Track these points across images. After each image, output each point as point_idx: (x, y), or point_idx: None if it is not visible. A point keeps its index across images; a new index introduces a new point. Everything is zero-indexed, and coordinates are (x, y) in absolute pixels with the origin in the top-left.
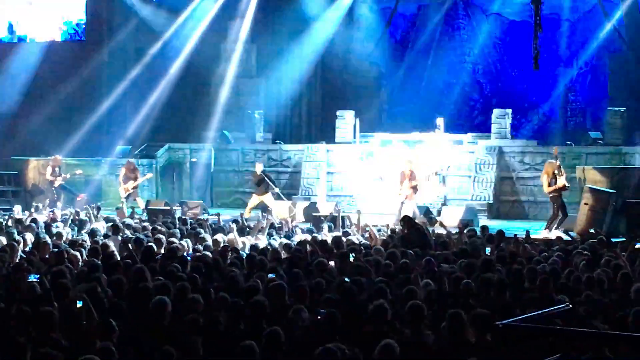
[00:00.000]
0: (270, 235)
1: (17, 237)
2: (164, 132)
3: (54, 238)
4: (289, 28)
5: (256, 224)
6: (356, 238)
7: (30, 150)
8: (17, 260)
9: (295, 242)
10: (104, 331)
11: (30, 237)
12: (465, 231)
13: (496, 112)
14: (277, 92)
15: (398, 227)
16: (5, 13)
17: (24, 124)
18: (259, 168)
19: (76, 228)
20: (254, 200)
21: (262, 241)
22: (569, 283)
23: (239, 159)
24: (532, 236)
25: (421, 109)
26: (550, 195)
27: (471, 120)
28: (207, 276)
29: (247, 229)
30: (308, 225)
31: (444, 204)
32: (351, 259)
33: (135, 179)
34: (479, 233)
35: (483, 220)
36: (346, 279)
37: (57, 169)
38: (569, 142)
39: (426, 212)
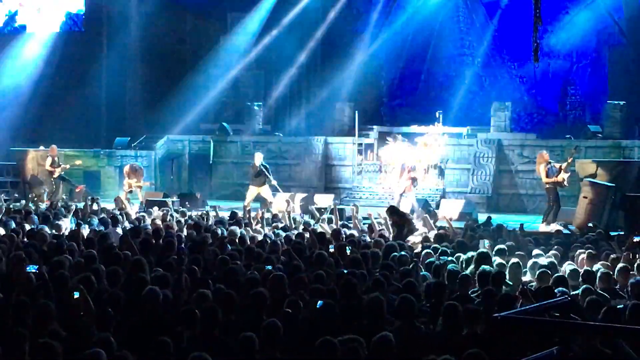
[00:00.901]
0: (268, 227)
1: (16, 228)
2: (163, 123)
3: (53, 229)
4: (289, 19)
5: (254, 215)
6: (355, 231)
7: (29, 141)
8: (16, 251)
9: (294, 235)
10: (102, 322)
11: (28, 228)
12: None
13: (495, 105)
14: (276, 84)
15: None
16: (5, 4)
17: (23, 115)
18: (258, 158)
19: (74, 219)
20: (252, 192)
21: (260, 233)
22: (568, 276)
23: (238, 151)
24: (530, 230)
25: (420, 101)
26: (547, 186)
27: (470, 113)
28: (205, 268)
29: (245, 221)
30: (306, 218)
31: (442, 196)
32: (348, 252)
33: (139, 180)
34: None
35: (482, 214)
36: (344, 271)
37: (55, 159)
38: (568, 136)
39: (425, 204)
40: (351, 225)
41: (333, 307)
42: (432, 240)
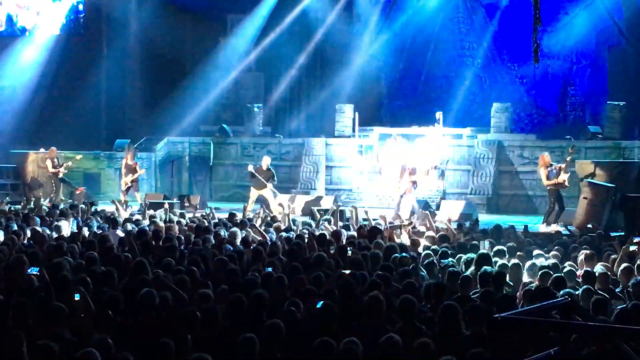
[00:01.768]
0: (269, 228)
1: (17, 230)
2: (163, 125)
3: (53, 231)
4: (288, 21)
5: (255, 216)
6: (355, 232)
7: (29, 144)
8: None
9: (294, 236)
10: (102, 323)
11: (29, 230)
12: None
13: (495, 105)
14: (276, 86)
15: (397, 221)
16: (5, 6)
17: (23, 117)
18: (266, 161)
19: (75, 221)
20: (253, 194)
21: (260, 234)
22: (568, 276)
23: (238, 152)
24: (531, 231)
25: (420, 102)
26: (548, 188)
27: (470, 114)
28: (205, 269)
29: (248, 223)
30: (306, 219)
31: (442, 198)
32: (349, 253)
33: (134, 170)
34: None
35: (482, 215)
36: (345, 272)
37: (56, 160)
38: (568, 137)
39: (425, 206)
40: (351, 226)
41: (332, 308)
42: (434, 241)
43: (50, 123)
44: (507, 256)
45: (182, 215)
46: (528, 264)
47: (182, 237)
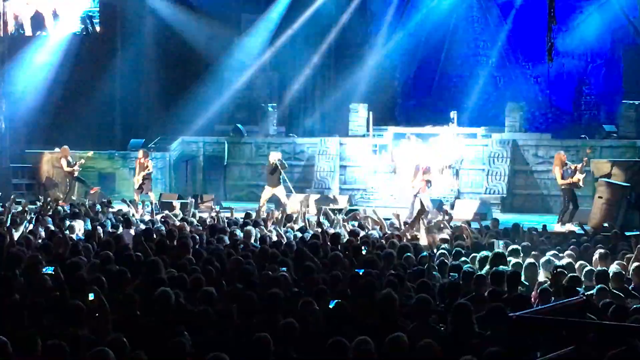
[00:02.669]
0: (285, 227)
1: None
2: (178, 125)
3: (67, 231)
4: (303, 20)
5: (269, 214)
6: (371, 231)
7: (44, 144)
8: (32, 253)
9: (309, 236)
10: (116, 323)
11: (43, 230)
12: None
13: (510, 105)
14: (290, 85)
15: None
16: (20, 6)
17: (38, 117)
18: (273, 157)
19: (88, 220)
20: (267, 192)
21: (274, 233)
22: (583, 276)
23: (252, 152)
24: (547, 230)
25: (434, 102)
26: (563, 187)
27: (485, 113)
28: (220, 269)
29: (261, 222)
30: (321, 218)
31: (457, 197)
32: (364, 252)
33: (146, 167)
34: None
35: (496, 214)
36: (359, 272)
37: (70, 159)
38: (583, 136)
39: (439, 205)
40: (365, 226)
41: (346, 307)
42: (448, 240)
43: (65, 123)
44: (522, 255)
45: (193, 215)
46: (542, 261)
47: (197, 237)
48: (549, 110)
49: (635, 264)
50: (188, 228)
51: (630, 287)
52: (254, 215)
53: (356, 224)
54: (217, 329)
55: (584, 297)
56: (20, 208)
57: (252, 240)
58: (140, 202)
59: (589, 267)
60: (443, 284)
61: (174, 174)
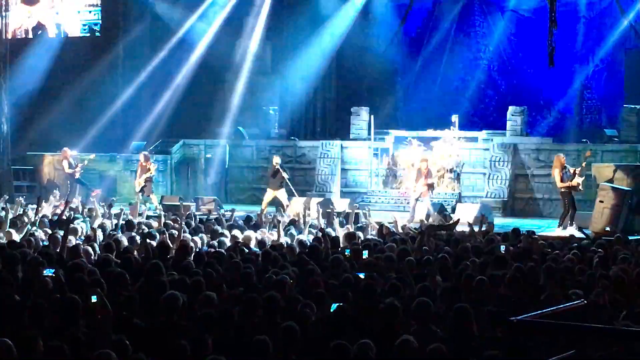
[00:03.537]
0: (286, 231)
1: (34, 232)
2: (179, 128)
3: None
4: (304, 24)
5: (272, 218)
6: (370, 234)
7: (46, 146)
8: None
9: (311, 239)
10: (118, 325)
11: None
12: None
13: (511, 109)
14: (292, 89)
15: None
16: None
17: (40, 119)
18: (275, 160)
19: (89, 223)
20: (269, 195)
21: (276, 236)
22: (584, 280)
23: (253, 155)
24: (547, 234)
25: (436, 106)
26: (562, 190)
27: (486, 117)
28: (221, 272)
29: (263, 225)
30: (322, 222)
31: (458, 201)
32: (365, 256)
33: (148, 170)
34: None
35: (498, 218)
36: (360, 275)
37: (71, 160)
38: (584, 140)
39: (440, 209)
40: (366, 228)
41: (347, 311)
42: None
43: (67, 125)
44: (521, 259)
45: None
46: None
47: (198, 240)
48: (550, 114)
49: (638, 268)
50: (188, 232)
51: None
52: (255, 218)
53: (355, 227)
54: (217, 332)
55: (585, 302)
56: (21, 210)
57: (253, 244)
58: (141, 204)
59: (589, 271)
60: (444, 288)
61: (175, 176)
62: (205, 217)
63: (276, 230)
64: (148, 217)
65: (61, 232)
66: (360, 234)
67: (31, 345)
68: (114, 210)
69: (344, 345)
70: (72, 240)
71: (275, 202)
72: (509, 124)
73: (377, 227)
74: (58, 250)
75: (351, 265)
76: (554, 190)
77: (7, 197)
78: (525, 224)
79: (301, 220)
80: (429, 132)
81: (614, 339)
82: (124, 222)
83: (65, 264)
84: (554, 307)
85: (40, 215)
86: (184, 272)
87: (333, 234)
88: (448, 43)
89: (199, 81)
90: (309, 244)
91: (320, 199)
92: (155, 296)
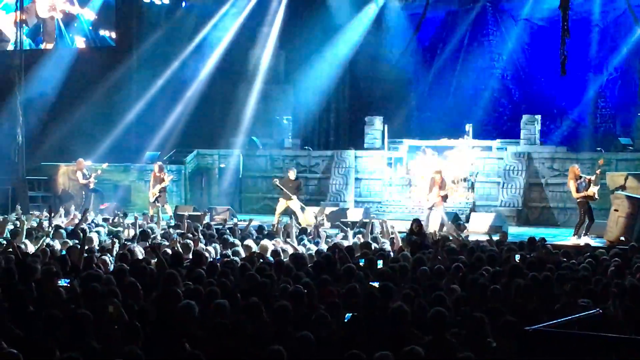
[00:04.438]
0: (300, 240)
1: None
2: (193, 138)
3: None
4: (317, 34)
5: (285, 227)
6: (386, 245)
7: (60, 156)
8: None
9: (325, 249)
10: (132, 335)
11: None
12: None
13: (525, 118)
14: (305, 98)
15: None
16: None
17: (54, 129)
18: (292, 174)
19: (103, 233)
20: (282, 205)
21: (290, 246)
22: (599, 289)
23: (267, 164)
24: (561, 242)
25: (450, 115)
26: (578, 200)
27: (500, 126)
28: (235, 281)
29: (276, 235)
30: (336, 231)
31: (472, 210)
32: (380, 265)
33: (162, 181)
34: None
35: (512, 227)
36: (374, 284)
37: (85, 171)
38: (598, 149)
39: (454, 218)
40: (381, 239)
41: (361, 321)
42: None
43: (81, 135)
44: (536, 268)
45: (207, 227)
46: (557, 276)
47: (212, 250)
48: (564, 123)
49: None
50: (204, 241)
51: None
52: (267, 228)
53: (370, 237)
54: (231, 342)
55: (600, 311)
56: (37, 221)
57: (269, 254)
58: (155, 215)
59: (604, 281)
60: (458, 297)
61: (189, 186)
62: (220, 226)
63: (289, 240)
64: (162, 228)
65: (77, 242)
66: (374, 244)
67: (48, 356)
68: (129, 220)
69: (358, 355)
70: (90, 249)
71: (288, 212)
72: (522, 132)
73: (397, 234)
74: (74, 260)
75: (366, 274)
76: (569, 199)
77: (21, 208)
78: (539, 233)
79: (314, 230)
80: (443, 141)
81: (629, 349)
82: (139, 233)
83: (80, 274)
84: (569, 317)
85: (53, 225)
86: (197, 281)
87: (346, 244)
88: (461, 52)
89: (213, 91)
90: (322, 253)
91: (334, 209)
92: (170, 306)
